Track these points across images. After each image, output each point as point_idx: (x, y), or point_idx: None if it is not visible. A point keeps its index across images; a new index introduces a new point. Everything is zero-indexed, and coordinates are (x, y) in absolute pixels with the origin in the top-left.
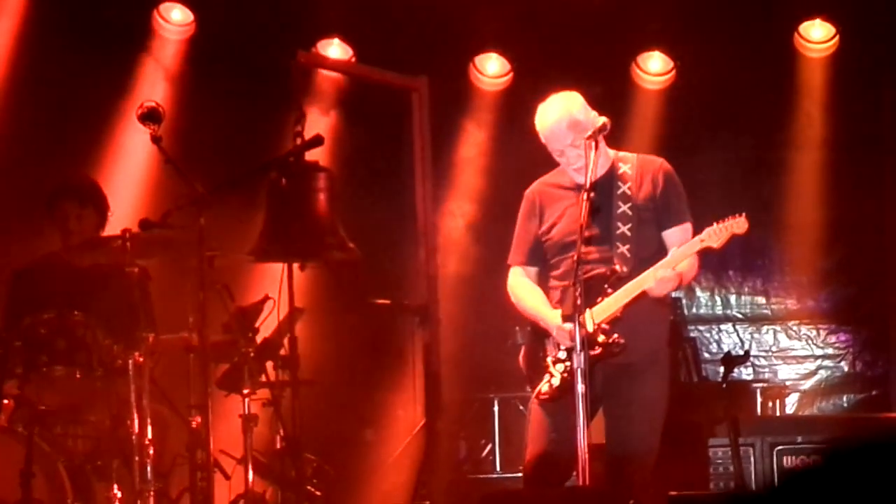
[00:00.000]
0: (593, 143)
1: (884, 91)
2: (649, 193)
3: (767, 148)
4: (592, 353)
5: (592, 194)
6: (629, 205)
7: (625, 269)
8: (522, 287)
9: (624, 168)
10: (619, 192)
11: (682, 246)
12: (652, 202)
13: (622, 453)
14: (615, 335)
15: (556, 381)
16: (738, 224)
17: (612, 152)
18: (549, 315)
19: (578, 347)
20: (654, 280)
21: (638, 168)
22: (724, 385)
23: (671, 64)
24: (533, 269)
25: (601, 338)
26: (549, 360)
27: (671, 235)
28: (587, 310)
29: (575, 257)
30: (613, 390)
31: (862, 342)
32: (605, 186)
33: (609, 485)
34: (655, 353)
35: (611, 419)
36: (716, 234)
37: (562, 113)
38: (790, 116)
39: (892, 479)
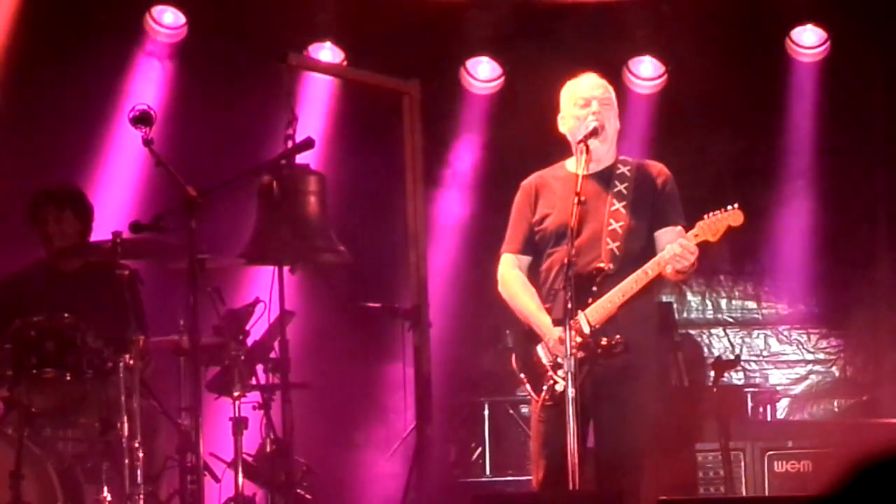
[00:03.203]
0: (584, 147)
1: (874, 96)
2: (645, 195)
3: (758, 153)
4: (593, 355)
5: (583, 197)
6: (623, 203)
7: (611, 266)
8: (515, 282)
9: (623, 169)
10: (615, 190)
11: (676, 242)
12: (647, 204)
13: (613, 457)
14: (617, 336)
15: (559, 387)
16: (733, 216)
17: (614, 153)
18: (545, 323)
19: (568, 351)
20: (669, 256)
21: (637, 170)
22: (715, 389)
23: (662, 68)
24: (526, 259)
25: (603, 340)
26: (548, 363)
27: (663, 235)
28: (580, 312)
29: (566, 260)
30: (604, 394)
31: (853, 347)
32: (602, 183)
33: (600, 489)
34: (645, 356)
35: (601, 423)
36: (710, 228)
37: (600, 78)
38: (782, 121)
39: None
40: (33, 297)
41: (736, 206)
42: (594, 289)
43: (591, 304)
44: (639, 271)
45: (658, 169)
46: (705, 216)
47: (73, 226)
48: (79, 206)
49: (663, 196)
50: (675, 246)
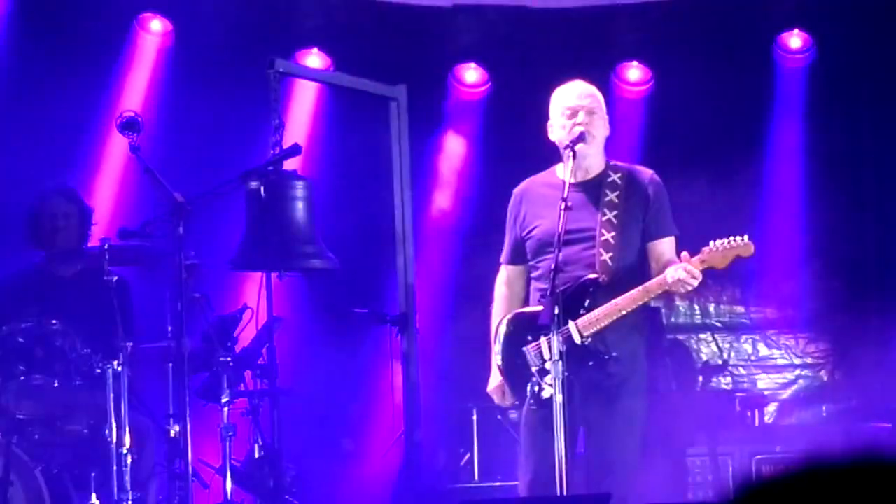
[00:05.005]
0: (571, 153)
1: (861, 103)
2: (637, 204)
3: (747, 158)
4: (584, 364)
5: (570, 203)
6: (615, 213)
7: (605, 278)
8: (497, 295)
9: (614, 176)
10: (607, 199)
11: (680, 266)
12: (639, 213)
13: (602, 462)
14: (614, 353)
15: (546, 393)
16: (744, 248)
17: (603, 160)
18: (497, 372)
19: (556, 357)
20: (673, 280)
21: (628, 178)
22: (703, 394)
23: (649, 74)
24: (518, 269)
25: (602, 353)
26: (535, 369)
27: (657, 246)
28: (570, 322)
29: (552, 266)
30: (593, 400)
31: (841, 352)
32: (594, 191)
33: (588, 493)
34: (634, 363)
35: (591, 430)
36: (718, 256)
37: (588, 85)
38: (770, 127)
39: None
40: (27, 301)
41: (746, 237)
42: (587, 301)
43: (584, 315)
44: (639, 290)
45: (649, 176)
46: (712, 243)
47: (76, 226)
48: (82, 204)
49: (656, 205)
50: (679, 271)
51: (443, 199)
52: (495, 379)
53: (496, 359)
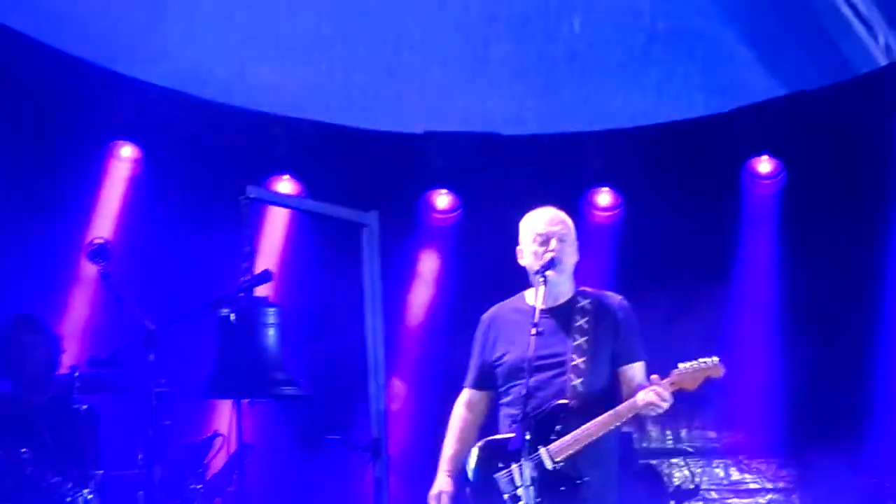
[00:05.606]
0: (542, 279)
1: (831, 228)
2: (607, 330)
3: (717, 282)
4: (559, 490)
5: (541, 329)
6: (585, 338)
7: (575, 403)
8: (454, 419)
9: (583, 302)
10: (577, 324)
11: (650, 388)
12: (609, 338)
13: None
14: (586, 478)
15: None
16: (714, 369)
17: (572, 286)
18: (441, 479)
19: (528, 483)
20: (643, 404)
21: (597, 304)
22: None
23: (619, 199)
24: (482, 394)
25: (574, 478)
26: (507, 496)
27: (627, 371)
28: (542, 448)
29: (523, 392)
30: None
31: (812, 476)
32: (564, 317)
33: None
34: (606, 488)
35: None
36: (688, 378)
37: (559, 212)
38: (739, 251)
39: None
40: None
41: (716, 358)
42: (558, 427)
43: (555, 440)
44: (610, 415)
45: (618, 301)
46: (681, 364)
47: (43, 354)
48: (49, 334)
49: (625, 331)
50: (649, 394)
51: (414, 324)
52: (437, 487)
53: (453, 474)
